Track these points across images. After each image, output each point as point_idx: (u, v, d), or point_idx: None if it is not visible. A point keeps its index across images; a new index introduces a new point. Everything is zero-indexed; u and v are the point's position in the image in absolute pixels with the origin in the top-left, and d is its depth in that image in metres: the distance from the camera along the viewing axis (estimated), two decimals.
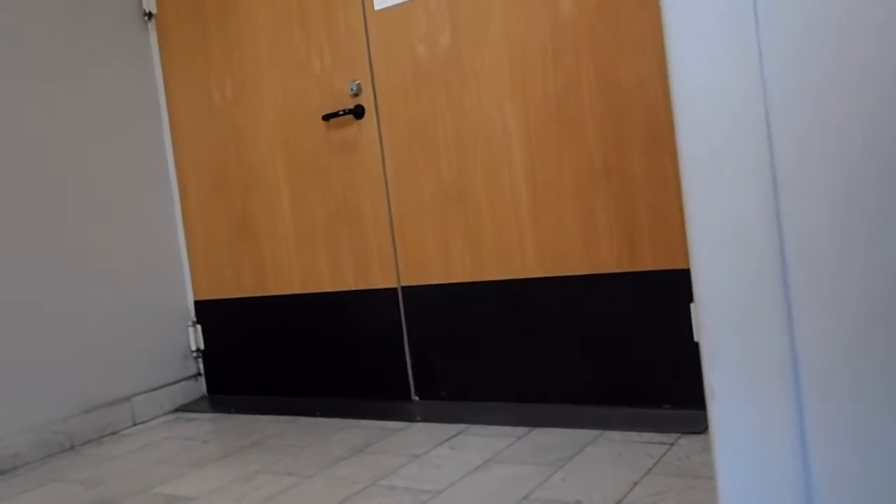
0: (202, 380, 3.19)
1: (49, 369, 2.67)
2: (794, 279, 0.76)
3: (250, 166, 2.96)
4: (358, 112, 2.66)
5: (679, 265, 2.17)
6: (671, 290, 2.20)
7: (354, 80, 2.67)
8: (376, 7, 2.61)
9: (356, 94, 2.68)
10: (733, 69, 0.78)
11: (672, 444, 1.97)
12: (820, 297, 0.75)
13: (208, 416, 2.91)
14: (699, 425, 2.05)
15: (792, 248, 0.75)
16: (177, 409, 3.06)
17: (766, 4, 0.76)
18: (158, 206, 3.11)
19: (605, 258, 2.30)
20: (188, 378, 3.14)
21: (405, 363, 2.68)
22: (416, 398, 2.68)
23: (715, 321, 0.79)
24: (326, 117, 2.69)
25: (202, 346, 3.17)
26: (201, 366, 3.19)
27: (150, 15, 3.15)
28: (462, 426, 2.36)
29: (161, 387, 3.03)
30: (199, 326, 3.17)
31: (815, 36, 0.74)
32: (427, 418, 2.47)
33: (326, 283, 2.82)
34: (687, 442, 1.98)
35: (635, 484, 1.75)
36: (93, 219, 2.85)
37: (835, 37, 0.73)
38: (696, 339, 0.83)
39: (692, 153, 0.80)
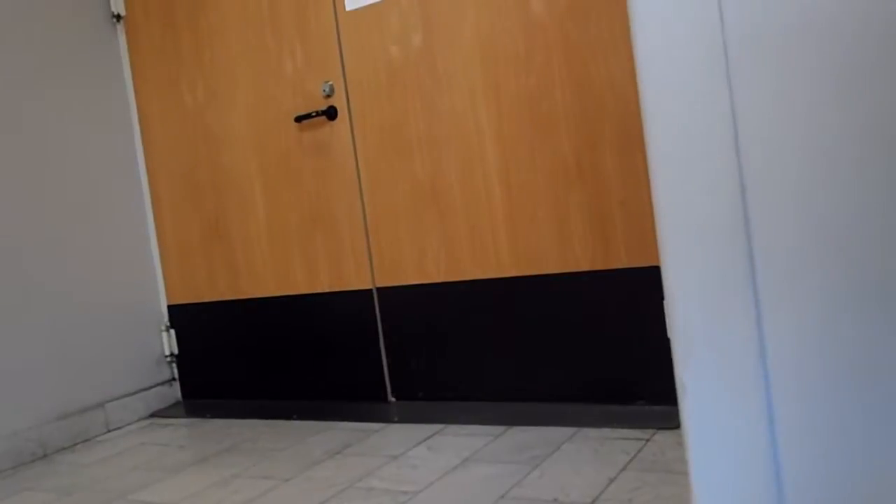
0: (177, 385, 3.16)
1: (20, 376, 2.63)
2: (763, 278, 0.77)
3: (223, 169, 2.94)
4: (331, 113, 2.66)
5: (652, 262, 2.19)
6: (645, 286, 2.22)
7: (327, 81, 2.67)
8: (348, 7, 2.60)
9: (329, 96, 2.67)
10: (700, 69, 0.79)
11: (647, 440, 1.99)
12: (788, 295, 0.76)
13: (184, 421, 2.89)
14: (673, 421, 2.07)
15: (760, 246, 0.76)
16: (151, 415, 3.03)
17: (731, 4, 0.77)
18: (130, 210, 3.08)
19: (579, 256, 2.31)
20: (162, 383, 3.11)
21: (381, 364, 2.68)
22: (393, 399, 2.68)
23: (685, 320, 0.80)
24: (299, 119, 2.68)
25: (176, 351, 3.14)
26: (175, 370, 3.16)
27: (118, 17, 3.11)
28: (439, 426, 2.36)
29: (135, 392, 3.00)
30: (172, 331, 3.14)
31: (780, 35, 0.75)
32: (404, 419, 2.47)
33: (301, 285, 2.81)
34: (662, 437, 2.00)
35: (612, 480, 1.77)
36: (63, 224, 2.82)
37: (799, 36, 0.74)
38: (668, 335, 0.84)
39: (660, 151, 0.81)
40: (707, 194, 0.78)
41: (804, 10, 0.75)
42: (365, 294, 2.68)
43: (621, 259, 2.26)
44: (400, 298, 2.61)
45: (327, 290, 2.76)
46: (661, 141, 0.81)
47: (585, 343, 2.33)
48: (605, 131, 2.24)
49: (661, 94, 0.80)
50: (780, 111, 0.75)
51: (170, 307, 3.14)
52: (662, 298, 0.84)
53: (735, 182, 0.76)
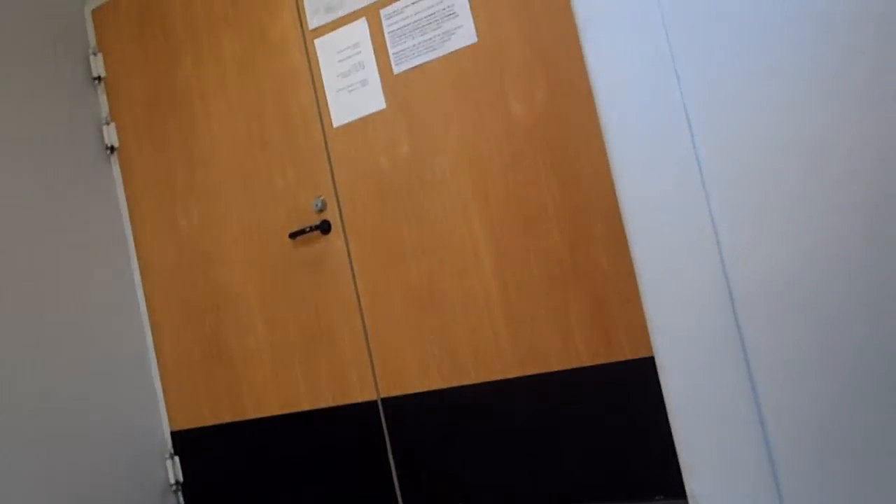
0: None
1: None
2: (762, 387, 0.77)
3: (220, 289, 2.95)
4: (324, 227, 2.69)
5: None
6: (650, 376, 2.20)
7: (319, 197, 2.71)
8: (335, 125, 2.67)
9: (321, 210, 2.71)
10: (677, 186, 0.80)
11: None
12: (789, 402, 0.75)
13: None
14: None
15: (755, 356, 0.76)
16: None
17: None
18: (128, 335, 3.07)
19: (582, 351, 2.30)
20: None
21: (391, 476, 2.62)
22: None
23: (687, 433, 0.79)
24: (293, 235, 2.71)
25: (181, 479, 3.08)
26: (181, 499, 3.09)
27: (112, 148, 3.19)
28: None
29: None
30: (177, 458, 3.08)
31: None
32: None
33: (304, 402, 2.78)
34: None
35: None
36: (60, 351, 2.80)
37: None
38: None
39: (647, 267, 0.82)
40: (696, 306, 0.79)
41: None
42: (370, 406, 2.65)
43: (624, 351, 2.25)
44: (405, 408, 2.58)
45: (331, 405, 2.72)
46: (647, 256, 0.82)
47: (596, 440, 2.29)
48: (595, 225, 2.26)
49: (642, 211, 0.81)
50: (754, 224, 0.76)
51: (173, 433, 3.09)
52: None
53: (724, 293, 0.77)
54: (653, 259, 0.83)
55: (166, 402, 3.11)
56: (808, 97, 0.76)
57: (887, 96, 0.74)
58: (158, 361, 3.12)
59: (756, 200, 0.78)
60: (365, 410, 2.65)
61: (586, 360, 2.30)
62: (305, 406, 2.78)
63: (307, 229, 2.68)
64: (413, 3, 2.52)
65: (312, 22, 2.72)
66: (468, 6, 2.43)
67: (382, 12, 2.57)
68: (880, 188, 0.74)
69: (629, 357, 2.24)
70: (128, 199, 3.18)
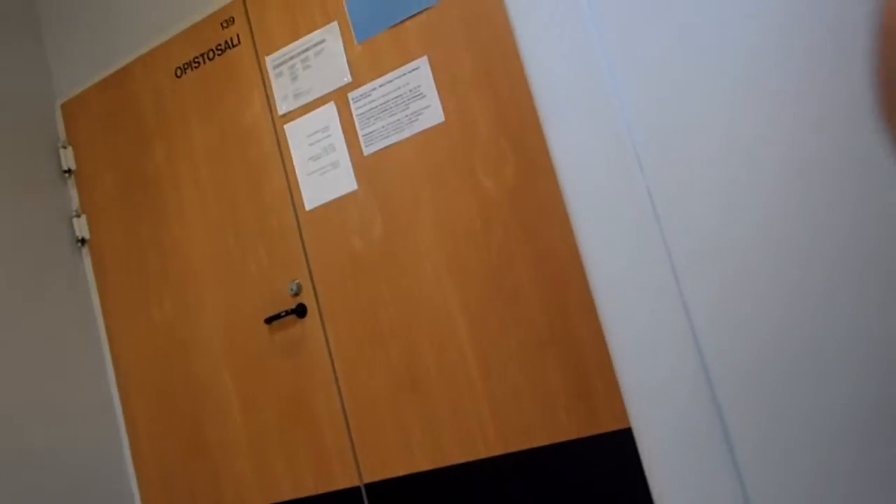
0: None
1: None
2: (741, 457, 0.75)
3: (196, 379, 2.90)
4: (300, 311, 2.67)
5: None
6: (635, 447, 2.17)
7: (294, 280, 2.70)
8: (307, 207, 2.68)
9: (296, 294, 2.69)
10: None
11: None
12: (772, 478, 0.74)
13: None
14: None
15: (733, 427, 0.75)
16: None
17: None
18: (102, 435, 3.00)
19: (566, 424, 2.27)
20: None
21: None
22: None
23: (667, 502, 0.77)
24: (269, 320, 2.68)
25: None
26: None
27: (83, 240, 3.17)
28: None
29: None
30: None
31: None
32: None
33: (286, 491, 2.71)
34: None
35: None
36: (28, 455, 2.72)
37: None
38: None
39: (620, 346, 0.81)
40: (669, 378, 0.78)
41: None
42: (353, 492, 2.58)
43: (608, 422, 2.22)
44: (390, 493, 2.52)
45: (314, 493, 2.66)
46: (618, 330, 0.82)
47: None
48: (571, 295, 2.27)
49: (610, 287, 0.82)
50: (723, 295, 0.76)
51: None
52: None
53: (697, 363, 0.76)
54: (624, 333, 0.83)
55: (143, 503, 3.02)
56: (773, 171, 0.77)
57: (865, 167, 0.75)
58: (134, 460, 3.04)
59: (723, 271, 0.78)
60: (348, 498, 2.59)
61: (571, 433, 2.27)
62: (287, 496, 2.70)
63: (283, 314, 2.66)
64: (380, 86, 2.56)
65: (282, 108, 2.75)
66: (434, 87, 2.47)
67: (350, 95, 2.61)
68: (854, 259, 0.75)
69: (613, 428, 2.21)
70: (99, 290, 3.15)
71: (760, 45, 0.79)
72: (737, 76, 0.80)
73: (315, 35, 2.68)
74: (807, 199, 0.76)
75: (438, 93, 2.47)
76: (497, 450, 2.36)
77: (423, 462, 2.46)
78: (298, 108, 2.71)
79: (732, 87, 0.80)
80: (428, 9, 2.49)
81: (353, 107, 2.61)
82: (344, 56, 2.63)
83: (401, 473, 2.50)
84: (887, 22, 0.42)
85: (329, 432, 2.63)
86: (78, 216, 3.18)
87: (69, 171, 3.21)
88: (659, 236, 0.82)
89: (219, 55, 2.88)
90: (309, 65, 2.70)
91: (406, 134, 2.51)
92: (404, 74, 2.52)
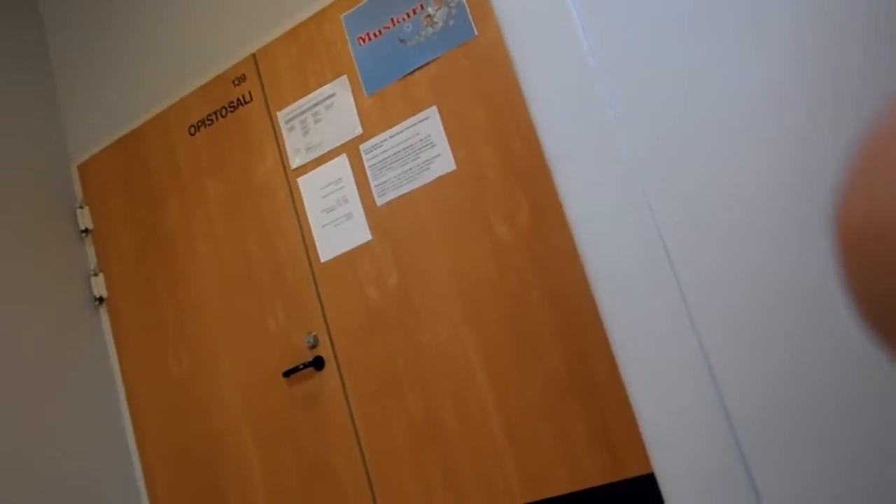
0: None
1: None
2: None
3: (215, 436, 2.88)
4: (317, 364, 2.66)
5: None
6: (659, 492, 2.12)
7: (310, 333, 2.69)
8: (322, 259, 2.69)
9: (313, 346, 2.68)
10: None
11: None
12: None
13: None
14: None
15: (761, 480, 0.74)
16: None
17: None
18: (122, 490, 2.98)
19: (590, 471, 2.24)
20: None
21: None
22: None
23: None
24: (287, 373, 2.67)
25: None
26: None
27: (101, 299, 3.18)
28: None
29: None
30: None
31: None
32: None
33: None
34: None
35: None
36: None
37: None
38: None
39: (638, 391, 0.80)
40: (690, 426, 0.77)
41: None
42: None
43: (632, 467, 2.18)
44: None
45: None
46: (636, 379, 0.81)
47: None
48: (590, 338, 2.25)
49: (628, 336, 0.81)
50: (743, 347, 0.75)
51: None
52: None
53: (719, 411, 0.75)
54: (642, 380, 0.82)
55: None
56: (785, 229, 0.77)
57: None
58: None
59: (738, 311, 0.77)
60: None
61: (595, 480, 2.23)
62: None
63: (301, 367, 2.65)
64: (391, 137, 2.58)
65: (294, 162, 2.78)
66: (444, 135, 2.49)
67: (361, 147, 2.64)
68: None
69: (637, 473, 2.17)
70: (118, 348, 3.15)
71: (773, 89, 0.80)
72: (750, 119, 0.80)
73: (325, 89, 2.72)
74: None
75: (449, 141, 2.48)
76: (520, 500, 2.32)
77: None
78: (311, 162, 2.74)
79: (746, 131, 0.80)
80: (436, 60, 2.52)
81: (364, 158, 2.63)
82: (354, 108, 2.66)
83: None
84: (846, 224, 0.34)
85: (350, 485, 2.59)
86: (95, 275, 3.20)
87: (86, 230, 3.25)
88: (672, 277, 0.81)
89: (231, 112, 2.92)
90: (320, 118, 2.73)
91: (418, 183, 2.53)
92: (414, 125, 2.54)
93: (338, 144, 2.69)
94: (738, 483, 0.76)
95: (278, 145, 2.82)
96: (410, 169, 2.55)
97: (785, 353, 0.75)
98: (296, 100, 2.79)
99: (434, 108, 2.52)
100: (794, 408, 0.75)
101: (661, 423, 0.81)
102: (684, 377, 0.79)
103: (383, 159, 2.60)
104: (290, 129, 2.79)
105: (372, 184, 2.61)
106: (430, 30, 2.54)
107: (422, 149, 2.53)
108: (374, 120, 2.62)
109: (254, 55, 2.90)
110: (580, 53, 0.87)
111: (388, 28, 2.61)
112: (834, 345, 0.74)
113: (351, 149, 2.66)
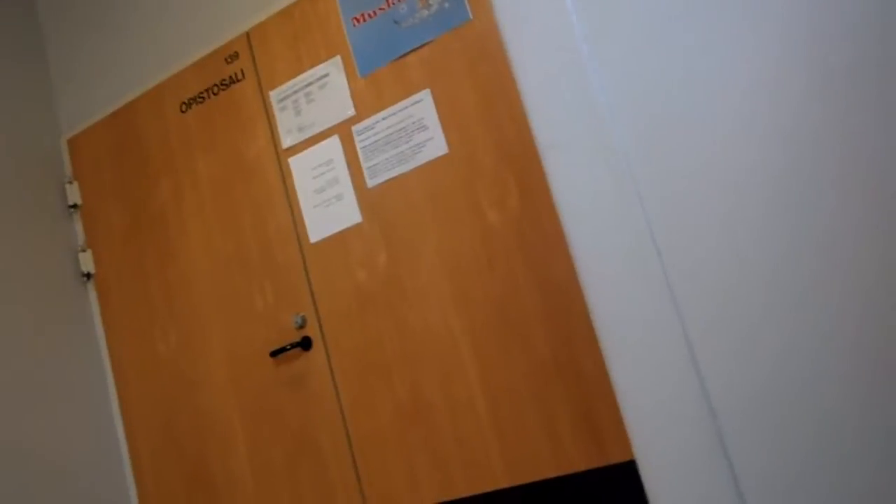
0: None
1: None
2: (747, 491, 0.75)
3: (202, 413, 2.89)
4: (305, 344, 2.66)
5: None
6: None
7: (298, 313, 2.69)
8: (312, 240, 2.68)
9: (301, 327, 2.69)
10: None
11: None
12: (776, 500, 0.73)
13: None
14: None
15: (742, 470, 0.74)
16: None
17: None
18: (108, 471, 2.98)
19: (573, 456, 2.25)
20: None
21: None
22: None
23: None
24: (274, 353, 2.67)
25: None
26: None
27: (88, 275, 3.17)
28: None
29: None
30: None
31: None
32: None
33: None
34: None
35: None
36: (31, 488, 2.70)
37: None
38: None
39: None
40: (674, 414, 0.77)
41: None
42: None
43: (615, 454, 2.20)
44: None
45: None
46: (621, 367, 0.81)
47: None
48: (576, 326, 2.26)
49: (613, 326, 0.81)
50: (727, 334, 0.75)
51: None
52: None
53: (700, 399, 0.76)
54: (626, 367, 0.82)
55: None
56: (776, 202, 0.77)
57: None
58: (139, 496, 3.02)
59: (725, 301, 0.78)
60: None
61: (578, 466, 2.25)
62: None
63: (288, 347, 2.65)
64: (383, 119, 2.57)
65: (286, 141, 2.76)
66: (437, 119, 2.49)
67: (354, 129, 2.63)
68: (861, 290, 0.74)
69: (620, 460, 2.19)
70: (105, 325, 3.15)
71: (765, 81, 0.80)
72: (741, 110, 0.80)
73: (318, 69, 2.71)
74: (810, 230, 0.76)
75: (441, 124, 2.48)
76: (504, 482, 2.34)
77: (430, 495, 2.44)
78: (302, 142, 2.73)
79: (736, 121, 0.80)
80: (430, 42, 2.51)
81: (356, 139, 2.62)
82: (347, 89, 2.65)
83: None
84: None
85: (334, 465, 2.61)
86: (83, 251, 3.19)
87: (75, 205, 3.23)
88: (659, 266, 0.82)
89: (223, 90, 2.91)
90: (312, 99, 2.72)
91: (410, 166, 2.53)
92: (407, 107, 2.54)
93: (330, 125, 2.68)
94: (718, 472, 0.77)
95: (270, 125, 2.80)
96: (402, 152, 2.54)
97: (769, 344, 0.76)
98: (288, 79, 2.77)
99: (427, 90, 2.51)
100: (777, 399, 0.76)
101: (644, 410, 0.82)
102: (668, 366, 0.80)
103: (375, 141, 2.59)
104: (283, 109, 2.78)
105: (363, 165, 2.61)
106: (426, 12, 2.52)
107: (414, 131, 2.52)
108: (367, 101, 2.61)
109: (247, 33, 2.88)
110: (573, 40, 0.87)
111: (383, 9, 2.59)
112: (818, 336, 0.74)
113: (343, 130, 2.65)
